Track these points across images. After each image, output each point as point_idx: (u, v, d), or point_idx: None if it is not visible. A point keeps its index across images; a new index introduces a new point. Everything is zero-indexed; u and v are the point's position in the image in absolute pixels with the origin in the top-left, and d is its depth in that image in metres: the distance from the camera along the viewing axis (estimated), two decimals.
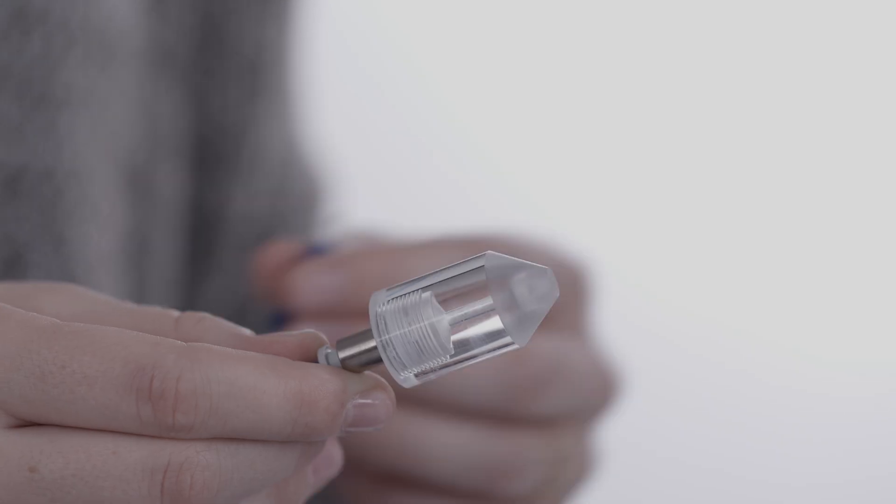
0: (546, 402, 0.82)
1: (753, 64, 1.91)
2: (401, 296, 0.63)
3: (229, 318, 0.66)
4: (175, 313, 0.66)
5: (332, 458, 0.68)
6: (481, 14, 1.95)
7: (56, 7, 0.96)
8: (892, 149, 1.89)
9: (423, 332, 0.62)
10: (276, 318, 0.63)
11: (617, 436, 1.07)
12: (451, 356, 0.63)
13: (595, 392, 0.85)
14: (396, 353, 0.63)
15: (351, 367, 0.64)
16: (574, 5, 1.95)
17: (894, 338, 1.90)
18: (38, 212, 0.97)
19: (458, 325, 0.62)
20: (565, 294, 0.76)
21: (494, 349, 0.63)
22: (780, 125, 1.92)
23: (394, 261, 0.65)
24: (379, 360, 0.63)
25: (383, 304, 0.63)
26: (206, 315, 0.65)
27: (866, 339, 1.91)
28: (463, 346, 0.62)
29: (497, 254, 0.63)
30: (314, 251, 0.61)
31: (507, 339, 0.62)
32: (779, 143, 1.92)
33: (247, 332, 0.65)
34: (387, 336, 0.63)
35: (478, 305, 0.62)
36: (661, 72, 1.93)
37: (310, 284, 0.62)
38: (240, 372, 0.60)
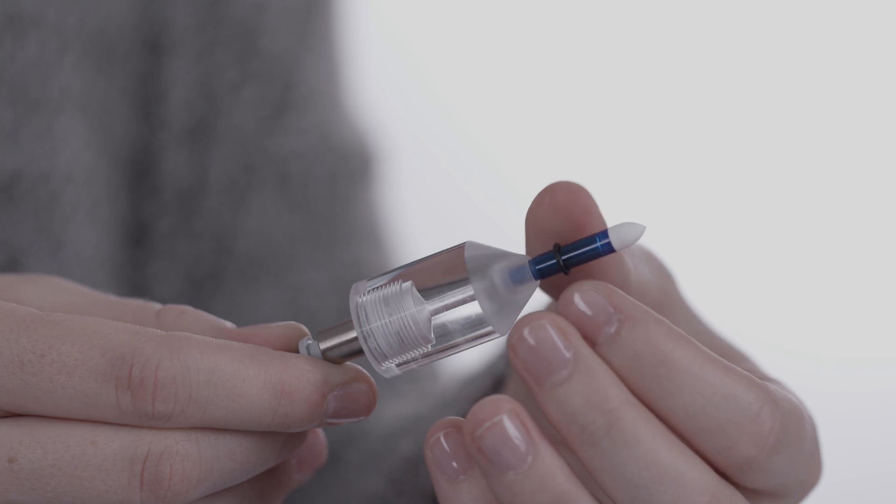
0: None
1: (753, 65, 1.91)
2: (381, 286, 0.62)
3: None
4: (157, 306, 0.66)
5: (317, 450, 0.68)
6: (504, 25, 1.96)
7: (50, 11, 0.96)
8: (893, 149, 1.89)
9: (403, 322, 0.62)
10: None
11: None
12: (433, 346, 0.62)
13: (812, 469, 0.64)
14: (377, 344, 0.62)
15: (332, 358, 0.63)
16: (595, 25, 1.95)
17: (894, 337, 1.89)
18: (34, 217, 0.97)
19: (438, 314, 0.62)
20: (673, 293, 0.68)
21: (476, 338, 0.62)
22: (781, 126, 1.92)
23: (666, 343, 0.58)
24: (360, 351, 0.63)
25: (364, 295, 0.63)
26: (188, 308, 0.65)
27: (866, 337, 1.90)
28: (444, 335, 0.62)
29: (477, 243, 0.62)
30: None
31: (489, 328, 0.62)
32: (779, 143, 1.92)
33: (228, 324, 0.65)
34: (367, 327, 0.62)
35: (458, 294, 0.61)
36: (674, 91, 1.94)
37: (580, 301, 0.60)
38: (219, 361, 0.60)
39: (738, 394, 0.59)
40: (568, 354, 0.58)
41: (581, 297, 0.59)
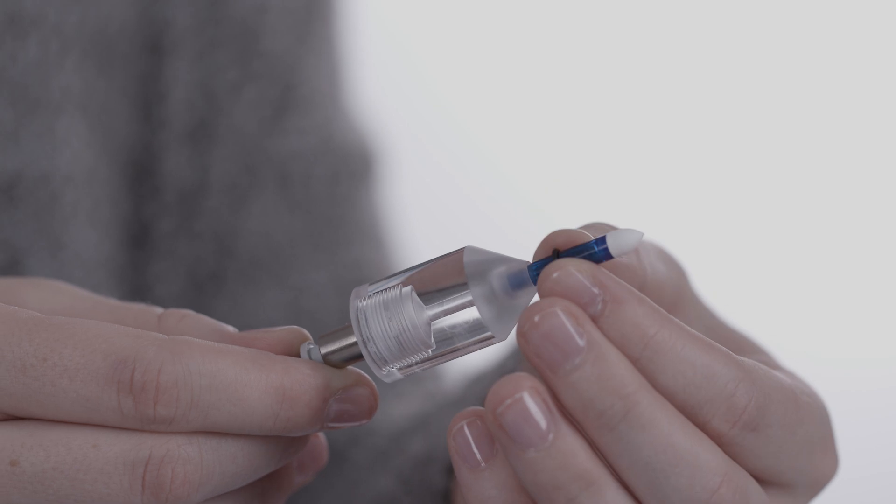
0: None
1: (754, 65, 1.91)
2: (382, 290, 0.63)
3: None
4: (158, 310, 0.66)
5: (317, 452, 0.68)
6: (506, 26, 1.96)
7: (51, 11, 0.96)
8: (893, 149, 1.89)
9: (403, 327, 0.62)
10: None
11: None
12: (433, 351, 0.62)
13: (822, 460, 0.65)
14: (377, 349, 0.62)
15: (333, 362, 0.64)
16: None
17: (894, 337, 1.89)
18: (34, 217, 0.97)
19: (438, 319, 0.62)
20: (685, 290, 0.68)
21: (476, 343, 0.62)
22: (782, 127, 1.92)
23: (650, 325, 0.58)
24: (360, 356, 0.63)
25: (364, 299, 0.63)
26: (189, 312, 0.65)
27: (866, 337, 1.90)
28: (444, 340, 0.62)
29: (477, 247, 0.62)
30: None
31: (488, 333, 0.62)
32: (779, 144, 1.92)
33: (229, 328, 0.65)
34: (367, 331, 0.62)
35: (457, 300, 0.61)
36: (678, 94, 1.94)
37: (566, 281, 0.60)
38: (221, 365, 0.60)
39: (717, 371, 0.59)
40: (581, 342, 0.58)
41: (561, 276, 0.59)
